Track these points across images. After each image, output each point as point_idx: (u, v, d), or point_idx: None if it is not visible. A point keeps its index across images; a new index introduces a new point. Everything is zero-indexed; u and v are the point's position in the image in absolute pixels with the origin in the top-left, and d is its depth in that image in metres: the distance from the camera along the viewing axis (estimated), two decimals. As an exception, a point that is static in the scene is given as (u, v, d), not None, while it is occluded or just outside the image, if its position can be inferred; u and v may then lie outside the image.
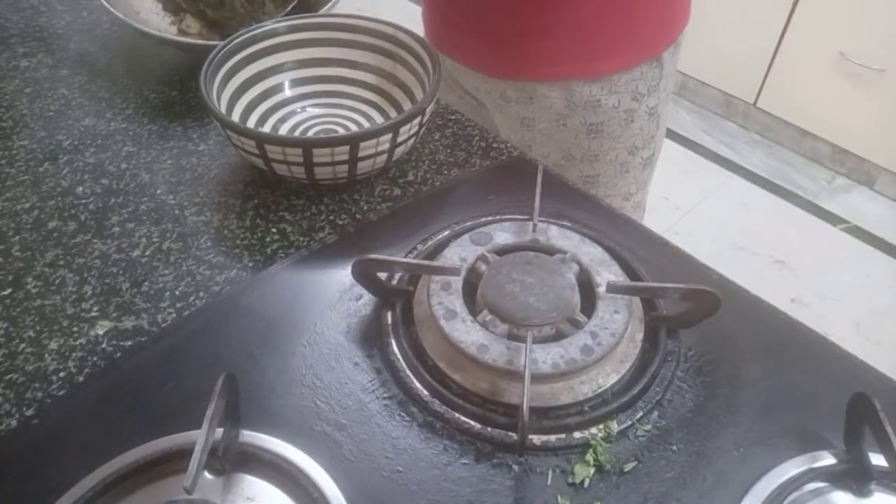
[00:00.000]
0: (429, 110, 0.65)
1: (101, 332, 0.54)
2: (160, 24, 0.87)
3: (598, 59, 0.82)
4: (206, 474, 0.44)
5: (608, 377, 0.50)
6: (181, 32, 0.88)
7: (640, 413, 0.49)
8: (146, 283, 0.58)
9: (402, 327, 0.54)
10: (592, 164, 0.89)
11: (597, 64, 0.82)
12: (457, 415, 0.48)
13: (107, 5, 0.78)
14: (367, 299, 0.57)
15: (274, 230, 0.64)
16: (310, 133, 0.73)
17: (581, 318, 0.52)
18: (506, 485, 0.45)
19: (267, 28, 0.72)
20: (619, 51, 0.82)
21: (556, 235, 0.59)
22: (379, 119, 0.74)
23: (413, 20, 0.87)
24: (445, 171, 0.71)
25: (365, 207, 0.66)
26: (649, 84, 0.85)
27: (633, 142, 0.88)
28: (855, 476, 0.45)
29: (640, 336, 0.53)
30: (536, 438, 0.47)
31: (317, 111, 0.75)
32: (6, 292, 0.58)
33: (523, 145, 0.88)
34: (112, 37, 0.91)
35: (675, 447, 0.47)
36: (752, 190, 2.18)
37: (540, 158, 0.81)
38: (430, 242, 0.61)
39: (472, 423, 0.48)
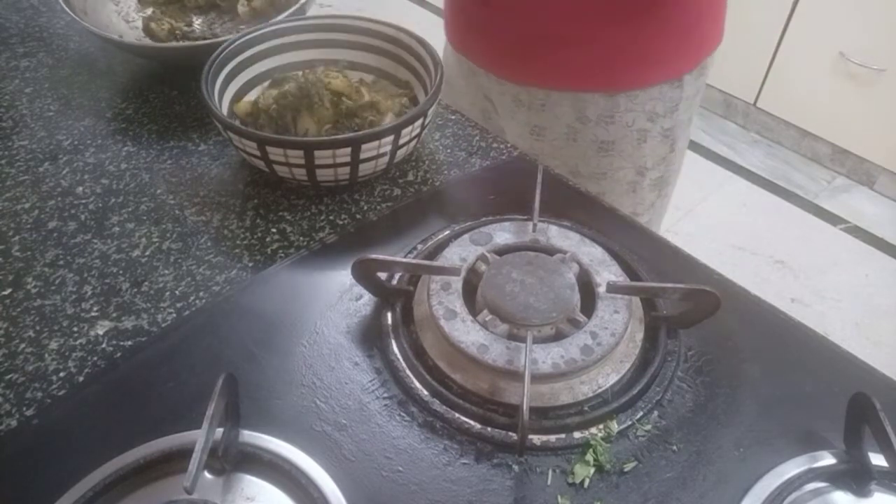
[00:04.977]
0: (431, 112, 0.65)
1: (101, 332, 0.54)
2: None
3: (614, 74, 0.80)
4: (206, 474, 0.44)
5: (608, 377, 0.50)
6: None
7: (640, 413, 0.49)
8: (146, 283, 0.58)
9: (402, 327, 0.54)
10: (599, 182, 0.87)
11: (612, 79, 0.80)
12: (457, 415, 0.48)
13: (68, 11, 0.77)
14: (367, 299, 0.57)
15: (274, 230, 0.64)
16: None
17: (581, 318, 0.52)
18: (506, 485, 0.45)
19: (269, 30, 0.72)
20: (636, 69, 0.80)
21: (556, 235, 0.59)
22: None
23: (414, 21, 0.88)
24: (445, 171, 0.71)
25: (365, 207, 0.66)
26: (667, 105, 0.83)
27: (643, 162, 0.86)
28: (855, 476, 0.45)
29: (640, 336, 0.53)
30: (536, 438, 0.47)
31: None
32: (6, 292, 0.58)
33: (531, 156, 0.87)
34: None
35: (675, 447, 0.47)
36: (752, 190, 2.18)
37: None
38: (430, 242, 0.61)
39: (472, 423, 0.48)
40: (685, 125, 0.88)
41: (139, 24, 0.87)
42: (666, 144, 0.87)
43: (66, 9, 0.77)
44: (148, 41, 0.84)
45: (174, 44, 0.83)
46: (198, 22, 0.90)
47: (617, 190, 0.89)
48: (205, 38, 0.87)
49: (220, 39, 0.71)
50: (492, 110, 0.95)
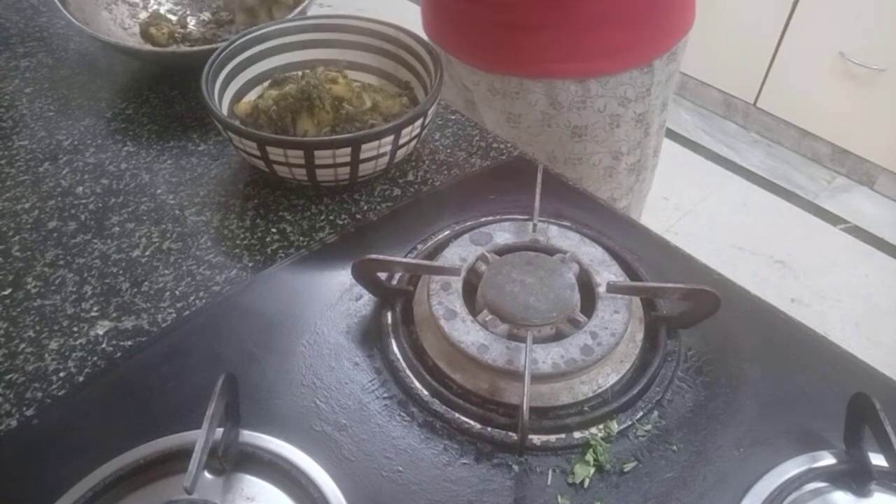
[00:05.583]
0: (431, 112, 0.65)
1: (101, 332, 0.54)
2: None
3: (584, 59, 0.81)
4: (206, 474, 0.44)
5: (608, 377, 0.50)
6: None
7: (640, 413, 0.49)
8: (146, 283, 0.58)
9: (402, 327, 0.54)
10: (575, 167, 0.89)
11: (582, 64, 0.81)
12: (457, 415, 0.48)
13: (69, 16, 0.77)
14: (367, 299, 0.57)
15: (274, 230, 0.64)
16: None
17: (581, 318, 0.52)
18: (506, 485, 0.45)
19: (269, 30, 0.72)
20: (605, 53, 0.81)
21: (556, 235, 0.59)
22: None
23: (414, 21, 0.88)
24: (445, 171, 0.71)
25: (365, 207, 0.66)
26: (638, 90, 0.84)
27: (617, 147, 0.87)
28: (855, 476, 0.45)
29: (640, 336, 0.53)
30: (536, 438, 0.47)
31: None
32: (6, 292, 0.58)
33: (508, 143, 0.88)
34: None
35: (675, 447, 0.47)
36: (752, 190, 2.18)
37: None
38: (430, 242, 0.61)
39: (472, 423, 0.48)
40: (659, 110, 0.88)
41: (136, 30, 0.87)
42: (640, 129, 0.87)
43: (71, 17, 0.77)
44: (149, 46, 0.84)
45: (181, 48, 0.83)
46: (192, 23, 0.90)
47: (594, 175, 0.89)
48: (205, 39, 0.87)
49: (220, 44, 0.71)
50: (472, 100, 0.96)
